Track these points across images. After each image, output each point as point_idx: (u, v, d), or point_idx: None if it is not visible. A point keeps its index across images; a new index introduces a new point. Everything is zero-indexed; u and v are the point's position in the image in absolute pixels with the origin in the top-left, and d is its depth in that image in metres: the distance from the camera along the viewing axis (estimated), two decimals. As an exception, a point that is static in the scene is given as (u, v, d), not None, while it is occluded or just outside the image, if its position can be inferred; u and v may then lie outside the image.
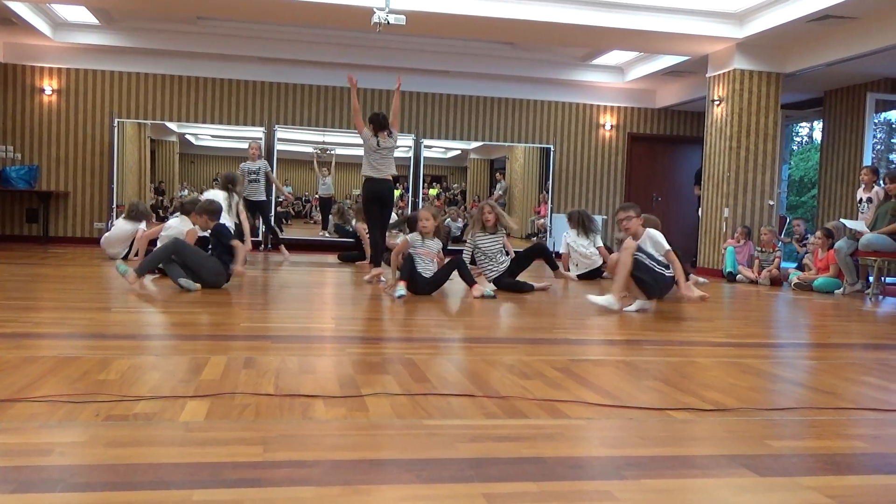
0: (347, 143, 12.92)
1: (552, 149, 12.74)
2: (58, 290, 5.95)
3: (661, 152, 13.27)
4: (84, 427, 2.26)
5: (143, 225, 8.80)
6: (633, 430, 2.47)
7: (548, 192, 12.75)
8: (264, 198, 10.28)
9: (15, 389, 2.66)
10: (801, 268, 9.00)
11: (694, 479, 2.04)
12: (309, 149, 12.81)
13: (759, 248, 9.34)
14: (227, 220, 8.46)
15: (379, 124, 7.61)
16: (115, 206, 11.44)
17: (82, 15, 10.32)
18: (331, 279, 6.15)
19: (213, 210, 6.49)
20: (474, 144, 13.04)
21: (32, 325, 4.19)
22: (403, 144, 12.51)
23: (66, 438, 2.16)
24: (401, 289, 6.02)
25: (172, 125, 12.01)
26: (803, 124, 22.15)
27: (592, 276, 8.36)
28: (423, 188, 12.66)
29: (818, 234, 8.73)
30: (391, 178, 7.59)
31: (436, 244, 6.60)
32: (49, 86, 11.41)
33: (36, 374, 2.90)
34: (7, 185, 10.99)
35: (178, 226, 7.32)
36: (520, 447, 2.22)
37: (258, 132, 11.84)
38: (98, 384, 2.78)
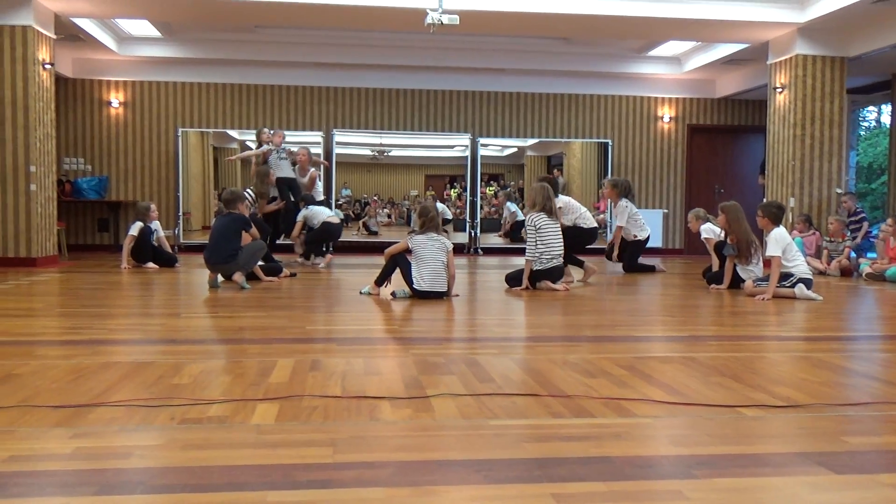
0: (403, 143, 13.03)
1: (610, 143, 12.60)
2: (129, 297, 6.14)
3: (722, 143, 13.01)
4: (160, 430, 2.33)
5: None
6: (702, 428, 2.44)
7: (607, 187, 12.60)
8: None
9: (94, 395, 2.75)
10: (860, 251, 8.86)
11: (767, 477, 2.00)
12: (366, 151, 12.94)
13: (828, 238, 9.09)
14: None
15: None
16: (181, 213, 11.73)
17: (145, 28, 10.62)
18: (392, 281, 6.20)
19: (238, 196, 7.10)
20: (531, 141, 12.98)
21: (107, 331, 4.34)
22: (459, 143, 12.56)
23: (144, 442, 2.23)
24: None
25: (233, 132, 12.26)
26: (871, 108, 21.43)
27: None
28: (481, 186, 12.65)
29: (889, 221, 8.45)
30: None
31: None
32: (116, 98, 11.77)
33: (113, 380, 3.00)
34: (79, 195, 11.38)
35: None
36: (587, 446, 2.22)
37: (316, 136, 12.00)
38: (172, 388, 2.86)
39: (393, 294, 5.98)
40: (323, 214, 9.14)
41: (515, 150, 13.31)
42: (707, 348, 3.98)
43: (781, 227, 6.52)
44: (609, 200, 8.81)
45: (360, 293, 6.15)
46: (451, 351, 3.82)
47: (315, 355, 3.58)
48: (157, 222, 8.99)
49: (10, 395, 2.74)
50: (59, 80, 11.16)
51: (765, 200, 10.23)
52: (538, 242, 6.57)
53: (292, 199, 9.47)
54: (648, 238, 9.07)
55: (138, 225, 8.61)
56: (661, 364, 3.48)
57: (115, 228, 11.65)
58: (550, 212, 6.66)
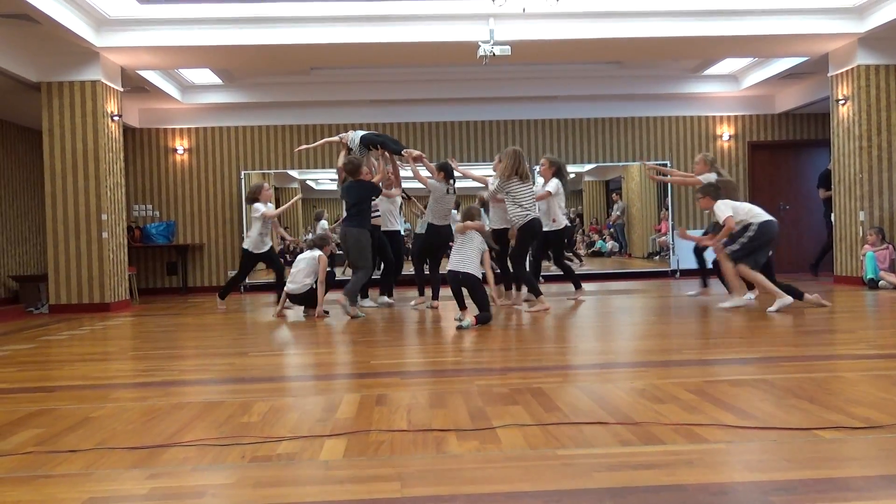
0: (460, 174, 13.09)
1: (669, 164, 12.44)
2: (199, 338, 6.28)
3: (784, 159, 12.73)
4: (232, 469, 2.37)
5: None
6: (779, 453, 2.36)
7: (667, 210, 12.44)
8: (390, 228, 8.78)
9: (167, 435, 2.82)
10: None
11: (849, 502, 1.93)
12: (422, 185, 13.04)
13: (903, 251, 8.78)
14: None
15: (449, 172, 8.07)
16: (245, 253, 11.98)
17: (207, 77, 10.98)
18: (452, 311, 6.20)
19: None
20: (588, 167, 12.92)
21: (178, 372, 4.44)
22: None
23: (217, 480, 2.27)
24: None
25: (294, 172, 12.52)
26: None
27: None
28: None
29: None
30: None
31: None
32: (181, 145, 12.15)
33: (185, 420, 3.07)
34: (149, 241, 11.75)
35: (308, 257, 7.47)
36: (658, 475, 2.17)
37: (374, 172, 12.15)
38: (242, 427, 2.91)
39: (459, 326, 5.98)
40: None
41: (573, 175, 13.23)
42: (779, 369, 3.87)
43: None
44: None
45: (463, 328, 6.00)
46: (515, 380, 3.80)
47: (380, 389, 3.60)
48: (272, 204, 8.55)
49: (88, 437, 2.82)
50: (127, 131, 11.60)
51: (832, 217, 9.96)
52: (514, 202, 7.08)
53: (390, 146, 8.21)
54: (564, 233, 8.19)
55: (257, 207, 8.18)
56: (732, 387, 3.40)
57: (182, 271, 11.96)
58: (522, 175, 7.06)
